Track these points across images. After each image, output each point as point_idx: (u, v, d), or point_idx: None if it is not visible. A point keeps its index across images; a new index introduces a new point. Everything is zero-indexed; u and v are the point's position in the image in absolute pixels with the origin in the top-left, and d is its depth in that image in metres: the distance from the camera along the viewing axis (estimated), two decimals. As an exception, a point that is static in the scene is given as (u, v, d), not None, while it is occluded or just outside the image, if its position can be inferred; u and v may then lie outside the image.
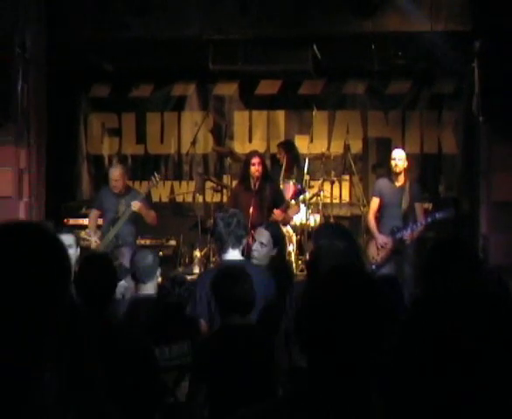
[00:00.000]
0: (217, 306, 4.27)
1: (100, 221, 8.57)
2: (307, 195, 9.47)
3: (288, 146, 10.30)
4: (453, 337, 1.31)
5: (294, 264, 8.88)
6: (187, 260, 9.86)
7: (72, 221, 9.76)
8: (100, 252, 7.37)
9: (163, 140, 11.27)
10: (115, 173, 8.41)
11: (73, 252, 5.69)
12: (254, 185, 8.30)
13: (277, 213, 8.18)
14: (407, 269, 7.97)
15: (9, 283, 1.52)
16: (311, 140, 10.19)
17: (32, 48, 7.56)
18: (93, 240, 8.19)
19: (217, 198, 9.96)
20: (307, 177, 9.68)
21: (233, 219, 5.27)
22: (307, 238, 9.19)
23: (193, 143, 10.14)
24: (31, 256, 1.55)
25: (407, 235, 8.05)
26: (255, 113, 11.18)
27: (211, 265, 8.74)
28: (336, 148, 10.43)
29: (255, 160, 8.32)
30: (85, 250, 8.01)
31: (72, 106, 11.13)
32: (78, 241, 6.17)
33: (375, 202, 8.38)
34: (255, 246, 5.65)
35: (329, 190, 10.07)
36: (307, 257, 8.42)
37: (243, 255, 5.40)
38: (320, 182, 9.81)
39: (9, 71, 7.29)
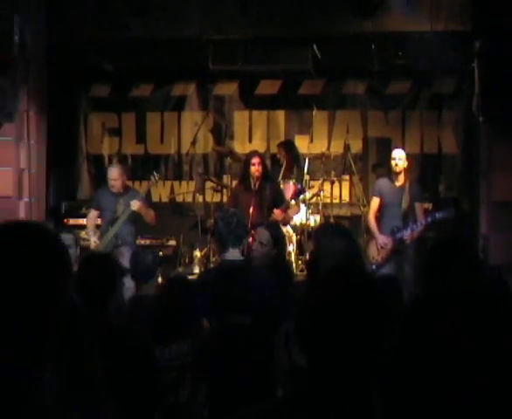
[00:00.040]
0: (217, 306, 4.27)
1: (99, 221, 8.57)
2: (308, 195, 9.47)
3: (288, 146, 10.31)
4: (453, 337, 1.31)
5: (294, 264, 8.87)
6: (187, 260, 9.86)
7: (72, 221, 9.76)
8: (100, 252, 7.36)
9: (163, 140, 11.27)
10: (114, 172, 8.40)
11: (73, 252, 5.70)
12: (254, 185, 8.30)
13: (277, 213, 8.18)
14: (407, 269, 7.97)
15: (9, 283, 1.52)
16: (311, 140, 10.18)
17: (32, 48, 7.55)
18: (93, 240, 8.19)
19: (217, 198, 9.96)
20: (307, 177, 9.67)
21: (233, 219, 5.27)
22: (307, 238, 9.19)
23: (193, 143, 10.14)
24: (32, 256, 1.55)
25: (407, 235, 8.05)
26: (255, 112, 11.18)
27: (211, 265, 8.74)
28: (336, 148, 10.43)
29: (255, 160, 8.32)
30: (84, 250, 8.03)
31: (72, 105, 11.13)
32: (77, 241, 6.18)
33: (375, 201, 8.38)
34: (255, 246, 5.65)
35: (329, 190, 10.07)
36: (308, 257, 8.42)
37: (243, 255, 5.40)
38: (320, 181, 9.81)
39: (9, 71, 7.29)
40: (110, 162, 10.75)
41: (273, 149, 10.70)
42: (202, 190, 10.47)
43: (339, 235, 4.23)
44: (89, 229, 8.45)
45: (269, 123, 11.13)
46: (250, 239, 6.94)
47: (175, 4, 8.48)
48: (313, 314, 1.86)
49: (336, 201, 10.39)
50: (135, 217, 8.27)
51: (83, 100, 11.27)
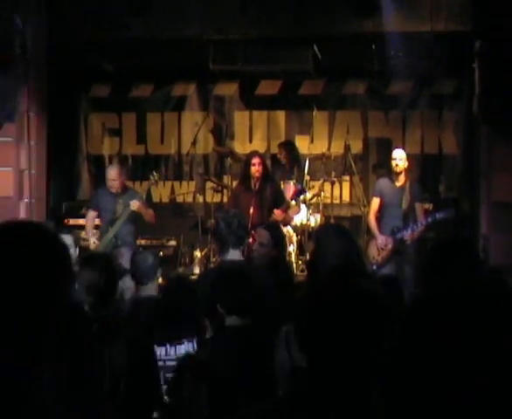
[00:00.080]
0: (217, 307, 4.27)
1: (98, 221, 8.56)
2: (308, 195, 9.47)
3: (289, 146, 10.31)
4: (453, 337, 1.31)
5: (294, 265, 8.88)
6: (187, 260, 9.86)
7: (72, 221, 9.76)
8: (100, 252, 7.36)
9: (164, 141, 11.27)
10: (112, 172, 8.40)
11: (72, 252, 5.69)
12: (255, 185, 8.30)
13: (277, 213, 8.18)
14: (407, 269, 7.97)
15: (9, 283, 1.52)
16: (311, 141, 10.18)
17: (32, 48, 7.55)
18: (92, 241, 8.19)
19: (217, 198, 9.96)
20: (307, 177, 9.67)
21: (234, 220, 5.28)
22: (307, 239, 9.19)
23: (193, 143, 10.14)
24: (32, 256, 1.55)
25: (408, 235, 8.05)
26: (255, 113, 11.18)
27: (212, 266, 8.74)
28: (337, 149, 10.43)
29: (255, 160, 8.32)
30: (84, 251, 8.03)
31: (72, 106, 11.12)
32: (76, 241, 6.18)
33: (375, 202, 8.38)
34: (255, 246, 5.65)
35: (330, 191, 10.07)
36: (308, 257, 8.42)
37: (243, 255, 5.40)
38: (320, 182, 9.81)
39: (9, 71, 7.29)
40: (111, 163, 10.76)
41: (274, 150, 10.70)
42: (202, 191, 10.48)
43: (339, 235, 4.23)
44: (88, 229, 8.46)
45: (269, 123, 11.13)
46: (250, 239, 6.95)
47: (175, 4, 8.48)
48: (313, 315, 1.86)
49: (337, 201, 10.39)
50: (135, 217, 8.26)
51: (83, 100, 11.27)
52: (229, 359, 3.98)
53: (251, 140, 11.14)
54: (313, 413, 1.75)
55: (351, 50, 9.42)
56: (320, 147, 10.32)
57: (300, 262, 9.16)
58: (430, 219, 8.13)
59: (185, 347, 4.54)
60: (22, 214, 7.62)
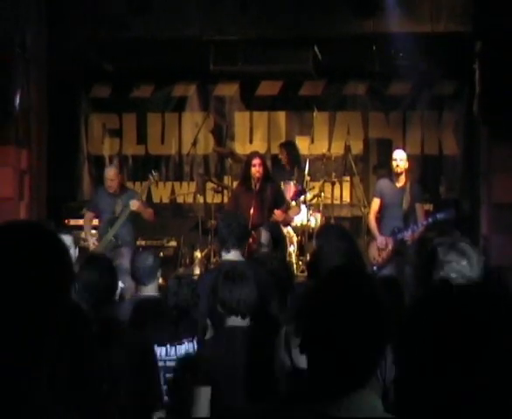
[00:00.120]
0: (217, 307, 4.27)
1: (96, 221, 8.56)
2: (308, 195, 9.47)
3: (289, 146, 10.30)
4: (453, 337, 1.31)
5: (294, 265, 8.87)
6: (187, 261, 9.86)
7: (72, 221, 9.75)
8: (99, 253, 7.36)
9: (164, 141, 11.28)
10: (110, 172, 8.40)
11: (72, 253, 5.68)
12: (255, 186, 8.29)
13: (278, 214, 8.17)
14: (408, 269, 7.96)
15: (9, 283, 1.51)
16: (312, 141, 10.19)
17: (32, 48, 7.56)
18: (91, 242, 8.19)
19: (217, 199, 9.96)
20: (307, 178, 9.67)
21: (235, 220, 5.27)
22: (307, 239, 9.19)
23: (194, 144, 10.14)
24: (32, 256, 1.55)
25: (408, 235, 8.04)
26: (256, 113, 11.18)
27: (212, 266, 8.73)
28: (337, 149, 10.42)
29: (256, 161, 8.31)
30: (83, 251, 8.02)
31: (72, 106, 11.13)
32: (76, 241, 6.18)
33: (376, 202, 8.38)
34: (256, 247, 5.65)
35: (330, 191, 10.07)
36: (308, 257, 8.42)
37: (243, 256, 5.40)
38: (320, 182, 9.80)
39: (9, 71, 7.30)
40: (111, 163, 10.76)
41: (274, 150, 10.70)
42: (202, 191, 10.48)
43: (340, 236, 4.23)
44: (86, 231, 8.48)
45: (270, 124, 11.14)
46: (250, 240, 6.95)
47: (175, 4, 8.49)
48: (313, 315, 1.86)
49: (337, 202, 10.39)
50: (134, 217, 8.26)
51: (83, 101, 11.27)
52: (229, 359, 3.98)
53: (251, 141, 11.14)
54: (313, 413, 1.75)
55: (352, 50, 9.42)
56: (320, 147, 10.32)
57: (300, 262, 9.16)
58: (430, 220, 8.13)
59: (185, 347, 4.54)
60: (22, 214, 7.62)
